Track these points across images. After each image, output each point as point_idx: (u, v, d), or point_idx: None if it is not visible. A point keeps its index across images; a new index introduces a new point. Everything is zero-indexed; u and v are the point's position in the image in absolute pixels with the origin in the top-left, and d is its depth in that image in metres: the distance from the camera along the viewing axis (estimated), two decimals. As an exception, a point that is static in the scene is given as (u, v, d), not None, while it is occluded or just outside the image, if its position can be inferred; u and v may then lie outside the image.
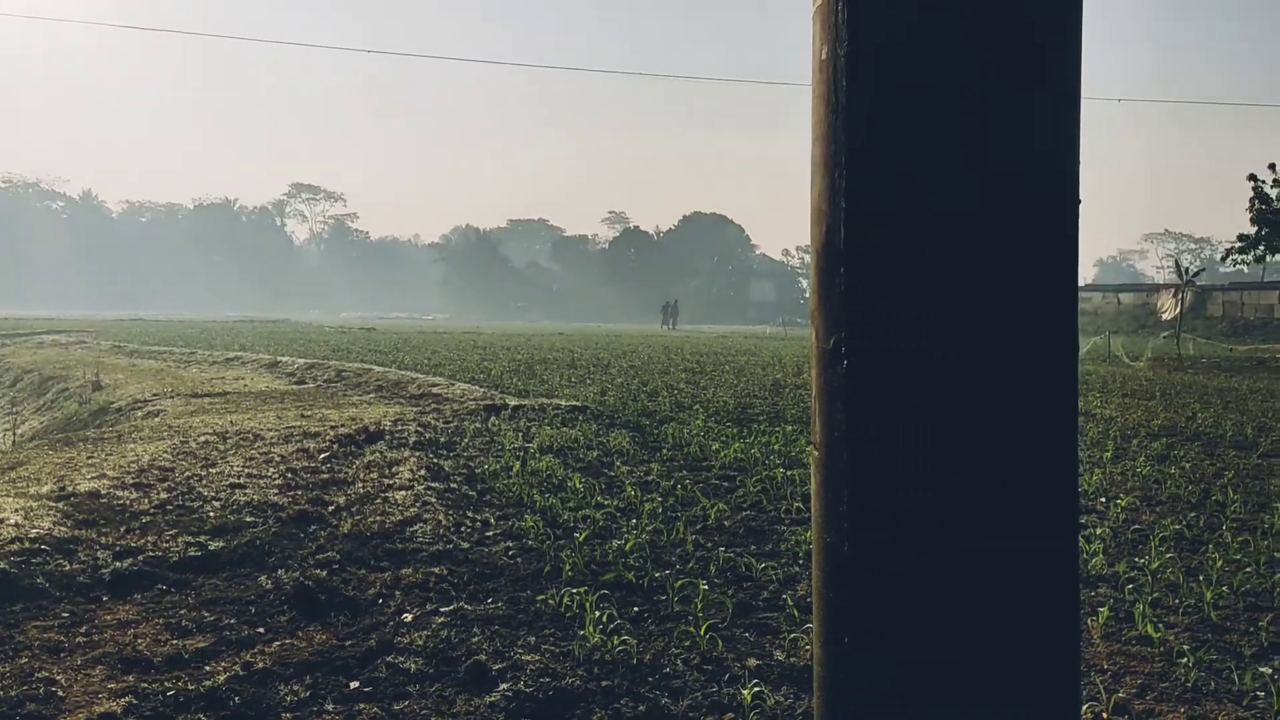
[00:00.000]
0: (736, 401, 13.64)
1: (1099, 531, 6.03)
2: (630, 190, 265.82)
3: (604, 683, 3.63)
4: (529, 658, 3.82)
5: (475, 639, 4.04)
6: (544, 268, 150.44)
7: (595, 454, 8.80)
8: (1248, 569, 5.16)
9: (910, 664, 1.10)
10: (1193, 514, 6.67)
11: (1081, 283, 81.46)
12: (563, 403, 12.54)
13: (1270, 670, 3.69)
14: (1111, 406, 14.04)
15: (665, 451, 9.09)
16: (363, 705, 3.49)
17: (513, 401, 12.42)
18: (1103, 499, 7.14)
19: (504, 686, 3.56)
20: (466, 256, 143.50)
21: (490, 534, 5.79)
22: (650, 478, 7.79)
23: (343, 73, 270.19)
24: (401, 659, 3.84)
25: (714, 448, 9.10)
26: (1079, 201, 1.12)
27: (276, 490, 6.66)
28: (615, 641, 3.94)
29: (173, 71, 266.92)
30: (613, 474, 7.92)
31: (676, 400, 13.75)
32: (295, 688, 3.60)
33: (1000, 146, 1.06)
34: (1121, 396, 15.98)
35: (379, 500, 6.47)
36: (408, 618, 4.32)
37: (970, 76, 1.05)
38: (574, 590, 4.47)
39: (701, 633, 4.07)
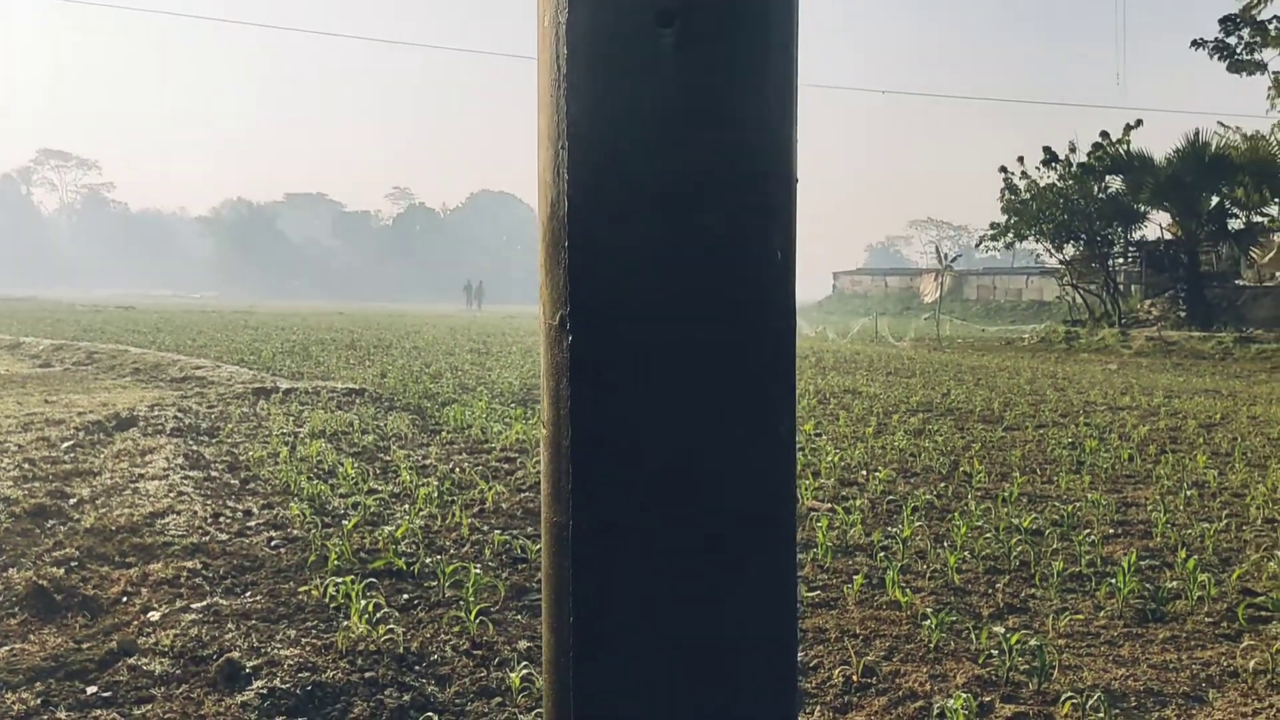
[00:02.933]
0: (522, 383, 13.58)
1: (858, 503, 6.35)
2: (416, 166, 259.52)
3: (368, 674, 3.51)
4: (288, 652, 3.65)
5: (229, 635, 3.83)
6: (324, 244, 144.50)
7: (371, 438, 8.54)
8: (988, 535, 5.55)
9: (632, 643, 1.09)
10: (943, 484, 7.13)
11: (853, 267, 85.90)
12: (339, 385, 12.12)
13: (1003, 629, 3.98)
14: (876, 384, 14.86)
15: (445, 434, 8.93)
16: (100, 711, 3.24)
17: (284, 384, 11.90)
18: (864, 472, 7.53)
19: (258, 684, 3.39)
20: (238, 231, 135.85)
21: (252, 524, 5.51)
22: (428, 461, 7.64)
23: (98, 31, 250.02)
24: (146, 660, 3.58)
25: (496, 430, 9.01)
26: (796, 180, 1.12)
27: (11, 483, 6.09)
28: (381, 631, 3.83)
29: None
30: (389, 458, 7.71)
31: (460, 382, 13.56)
32: (24, 695, 3.31)
33: (718, 119, 1.05)
34: (886, 375, 16.95)
35: (128, 491, 6.03)
36: (155, 616, 4.04)
37: (683, 49, 1.03)
38: (339, 580, 4.31)
39: (472, 617, 4.01)
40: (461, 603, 4.20)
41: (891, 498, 6.60)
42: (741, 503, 1.10)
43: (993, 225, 36.87)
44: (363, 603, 3.97)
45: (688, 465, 1.07)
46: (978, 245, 40.61)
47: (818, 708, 3.40)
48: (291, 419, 9.38)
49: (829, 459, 7.83)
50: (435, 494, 6.18)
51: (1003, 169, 35.44)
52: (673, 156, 1.04)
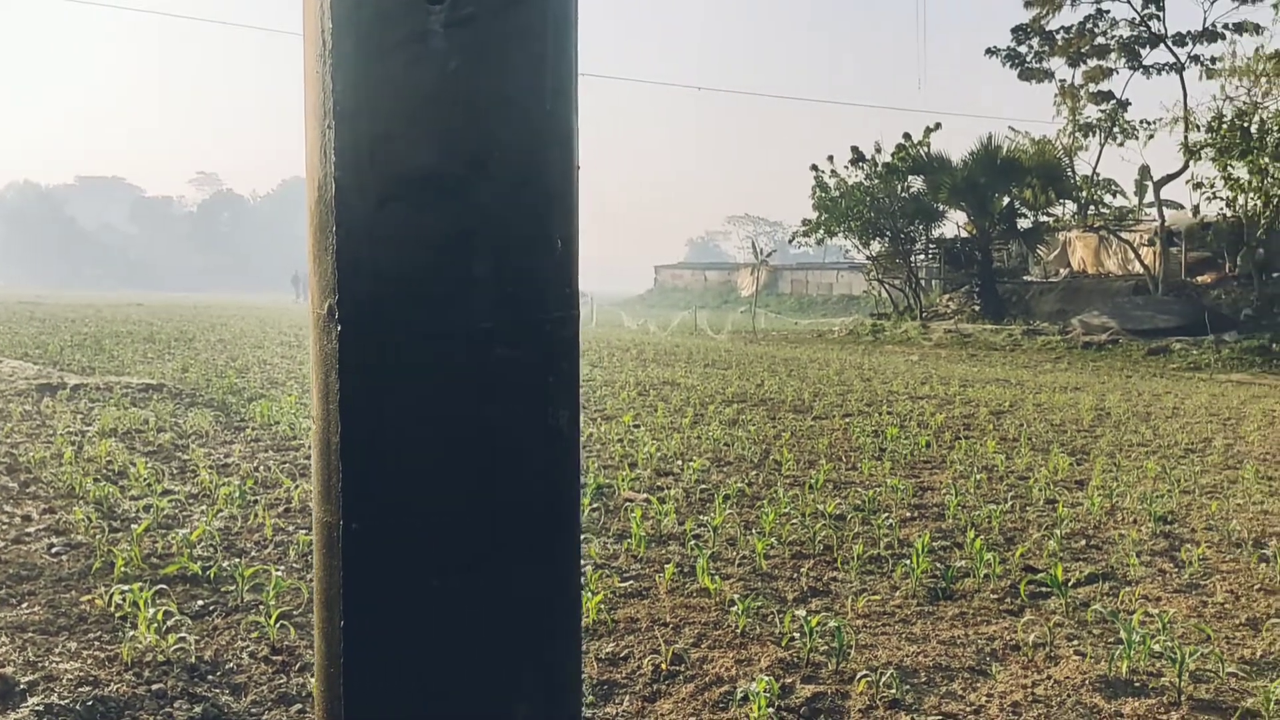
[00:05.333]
0: (333, 376, 13.13)
1: (673, 493, 6.43)
2: (222, 150, 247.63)
3: (155, 686, 3.31)
4: (67, 666, 3.41)
5: (2, 650, 3.54)
6: (121, 231, 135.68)
7: (168, 436, 8.08)
8: (795, 521, 5.72)
9: (405, 647, 1.05)
10: (754, 472, 7.32)
11: (673, 261, 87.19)
12: (135, 380, 11.43)
13: (805, 612, 4.10)
14: (694, 376, 15.13)
15: (251, 431, 8.55)
16: None
17: (73, 380, 11.12)
18: (679, 462, 7.65)
19: (34, 701, 3.14)
20: (24, 216, 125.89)
21: (31, 530, 5.11)
22: (231, 460, 7.29)
23: None
24: (-97, 682, 3.27)
25: (305, 426, 8.68)
26: (578, 167, 1.11)
27: None
28: (171, 640, 3.61)
29: None
30: (187, 457, 7.31)
31: (269, 376, 13.02)
32: None
33: (491, 101, 1.02)
34: (704, 366, 17.28)
35: (-113, 498, 5.50)
36: (-85, 633, 3.70)
37: (453, 27, 1.00)
38: (126, 587, 4.04)
39: (272, 622, 3.83)
40: (262, 607, 4.02)
41: (705, 487, 6.73)
42: (520, 496, 1.07)
43: (805, 221, 38.09)
44: (152, 611, 3.74)
45: (462, 460, 1.04)
46: (791, 241, 41.88)
47: (627, 697, 3.42)
48: (79, 417, 8.78)
49: (646, 450, 7.91)
50: (237, 494, 5.89)
51: (814, 167, 36.67)
52: (444, 138, 1.00)
